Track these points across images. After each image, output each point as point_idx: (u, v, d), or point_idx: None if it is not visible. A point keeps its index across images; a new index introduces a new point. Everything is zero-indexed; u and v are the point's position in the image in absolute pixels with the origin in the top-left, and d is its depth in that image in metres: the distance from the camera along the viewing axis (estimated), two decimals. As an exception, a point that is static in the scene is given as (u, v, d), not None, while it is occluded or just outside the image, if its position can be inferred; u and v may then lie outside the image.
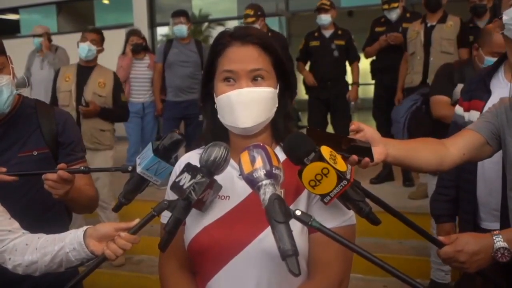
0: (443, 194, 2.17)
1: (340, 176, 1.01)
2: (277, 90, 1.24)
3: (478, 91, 1.93)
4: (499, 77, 1.91)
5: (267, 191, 0.96)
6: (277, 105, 1.24)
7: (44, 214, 1.74)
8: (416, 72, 4.27)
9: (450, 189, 2.13)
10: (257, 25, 4.25)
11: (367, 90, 10.39)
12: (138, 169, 1.24)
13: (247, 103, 1.18)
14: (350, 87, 5.16)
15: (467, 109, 1.96)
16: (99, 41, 4.04)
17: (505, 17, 1.81)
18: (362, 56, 5.18)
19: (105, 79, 3.98)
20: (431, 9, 4.26)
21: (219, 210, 1.23)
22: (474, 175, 1.95)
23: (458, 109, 2.02)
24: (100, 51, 4.04)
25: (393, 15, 4.77)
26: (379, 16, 4.97)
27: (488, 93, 1.88)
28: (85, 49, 3.93)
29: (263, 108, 1.20)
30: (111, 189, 4.02)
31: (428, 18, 4.28)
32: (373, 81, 5.15)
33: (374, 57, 5.02)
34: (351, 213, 1.19)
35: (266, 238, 1.12)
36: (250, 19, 4.30)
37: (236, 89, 1.19)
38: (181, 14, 4.96)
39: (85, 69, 3.97)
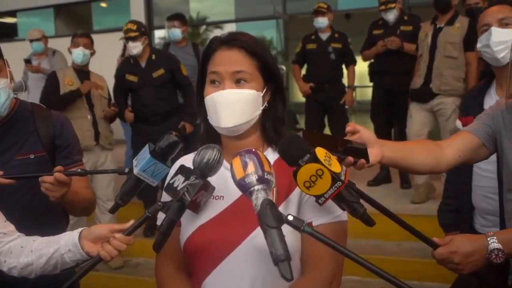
0: (448, 204, 2.22)
1: (335, 177, 1.02)
2: (262, 93, 1.27)
3: (472, 108, 1.95)
4: (491, 94, 1.93)
5: (259, 196, 0.97)
6: (262, 108, 1.27)
7: (41, 217, 1.74)
8: (420, 75, 4.20)
9: (455, 199, 2.17)
10: (140, 43, 4.14)
11: (364, 92, 10.42)
12: (135, 171, 1.25)
13: (228, 104, 1.22)
14: (347, 90, 5.18)
15: (464, 124, 1.98)
16: (90, 45, 4.07)
17: (479, 45, 1.86)
18: (359, 59, 5.20)
19: (101, 83, 4.11)
20: (440, 9, 4.14)
21: (213, 210, 1.25)
22: (470, 186, 1.97)
23: (458, 123, 2.05)
24: (92, 54, 4.07)
25: (390, 16, 4.70)
26: (377, 19, 4.94)
27: (481, 110, 1.90)
28: (80, 54, 3.96)
29: (244, 109, 1.23)
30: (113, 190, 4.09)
31: (438, 19, 4.18)
32: (371, 84, 5.15)
33: (372, 60, 5.00)
34: None
35: (259, 236, 1.14)
36: (132, 34, 4.12)
37: (219, 90, 1.23)
38: (175, 18, 4.94)
39: (83, 73, 4.02)
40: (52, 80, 4.01)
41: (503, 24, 1.80)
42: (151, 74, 4.22)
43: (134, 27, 4.18)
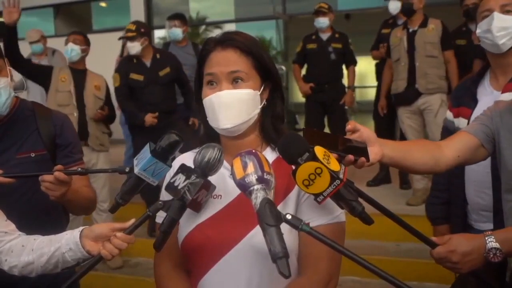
0: (437, 197, 2.19)
1: (333, 175, 1.03)
2: (259, 92, 1.27)
3: (465, 99, 1.94)
4: (485, 85, 1.91)
5: (259, 195, 0.99)
6: (260, 106, 1.28)
7: (41, 216, 1.74)
8: (401, 79, 4.26)
9: (444, 192, 2.13)
10: (138, 43, 4.16)
11: (365, 93, 10.43)
12: (136, 170, 1.25)
13: (226, 105, 1.22)
14: (347, 90, 5.19)
15: (456, 116, 1.97)
16: (83, 41, 4.05)
17: (478, 30, 1.84)
18: (359, 59, 5.20)
19: (99, 83, 4.08)
20: (406, 14, 4.28)
21: (211, 208, 1.26)
22: (462, 179, 1.96)
23: (449, 115, 2.03)
24: (84, 50, 4.05)
25: (392, 6, 4.69)
26: (388, 18, 4.98)
27: (475, 101, 1.89)
28: (68, 50, 3.96)
29: (242, 109, 1.24)
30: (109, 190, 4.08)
31: (409, 23, 4.28)
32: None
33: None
34: (340, 211, 1.22)
35: (256, 235, 1.15)
36: (130, 34, 4.15)
37: (216, 91, 1.23)
38: (175, 17, 4.95)
39: (78, 72, 4.01)
40: (46, 70, 4.00)
41: (505, 11, 1.77)
42: (157, 72, 4.26)
43: (133, 27, 4.21)
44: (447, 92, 4.18)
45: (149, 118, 4.13)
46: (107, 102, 4.11)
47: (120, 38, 4.27)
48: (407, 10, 4.24)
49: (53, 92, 3.93)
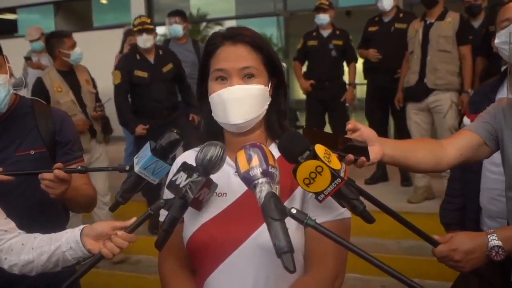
0: (451, 203, 2.18)
1: (334, 174, 1.02)
2: (268, 88, 1.26)
3: (483, 105, 1.92)
4: (504, 92, 1.89)
5: (263, 189, 0.98)
6: (268, 102, 1.27)
7: (41, 214, 1.74)
8: (413, 72, 4.18)
9: (458, 198, 2.13)
10: (152, 36, 4.19)
11: (365, 90, 10.39)
12: (136, 169, 1.24)
13: (237, 101, 1.21)
14: (347, 87, 5.17)
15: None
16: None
17: (496, 40, 1.81)
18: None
19: (87, 76, 4.05)
20: (427, 5, 4.17)
21: (216, 207, 1.25)
22: (478, 185, 1.94)
23: (466, 121, 2.02)
24: None
25: (387, 3, 4.62)
26: (374, 15, 4.94)
27: None
28: (80, 54, 3.91)
29: (253, 105, 1.23)
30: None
31: (428, 15, 4.18)
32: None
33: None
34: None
35: (262, 234, 1.14)
36: (149, 26, 4.18)
37: (227, 87, 1.22)
38: (176, 14, 4.95)
39: (66, 73, 3.90)
40: (38, 87, 3.84)
41: None
42: (161, 69, 4.25)
43: (148, 20, 4.25)
44: (459, 90, 4.08)
45: (139, 130, 4.12)
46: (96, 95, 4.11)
47: (135, 29, 4.22)
48: (429, 1, 4.10)
49: (55, 105, 3.73)
